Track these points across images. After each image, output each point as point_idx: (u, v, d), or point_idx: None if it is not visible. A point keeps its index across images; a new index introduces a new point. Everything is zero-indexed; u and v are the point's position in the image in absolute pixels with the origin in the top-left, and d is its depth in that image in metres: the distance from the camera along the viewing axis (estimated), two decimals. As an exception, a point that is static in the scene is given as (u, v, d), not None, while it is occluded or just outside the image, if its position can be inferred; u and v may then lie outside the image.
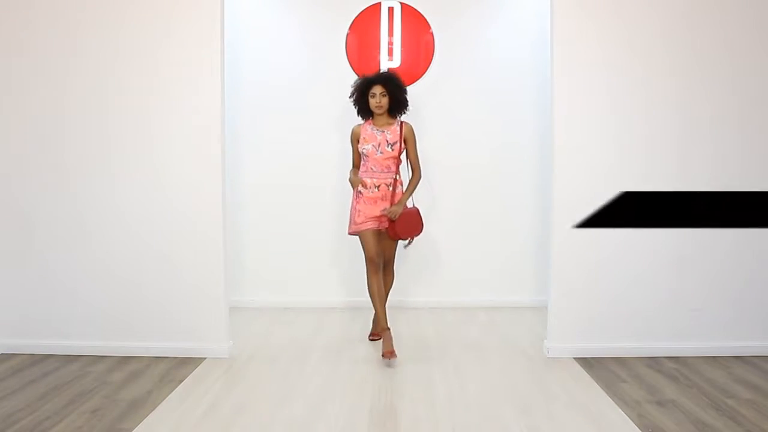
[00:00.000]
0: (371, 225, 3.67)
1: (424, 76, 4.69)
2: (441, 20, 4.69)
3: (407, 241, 3.78)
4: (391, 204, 3.67)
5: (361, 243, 3.69)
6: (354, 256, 4.74)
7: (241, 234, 4.75)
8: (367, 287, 3.67)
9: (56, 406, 2.82)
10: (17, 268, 3.59)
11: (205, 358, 3.48)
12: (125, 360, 3.46)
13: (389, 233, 3.69)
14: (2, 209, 3.58)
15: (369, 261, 3.66)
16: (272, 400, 2.93)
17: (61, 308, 3.58)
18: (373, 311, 3.84)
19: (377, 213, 3.67)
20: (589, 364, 3.39)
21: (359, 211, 3.68)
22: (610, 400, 2.90)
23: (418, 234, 3.74)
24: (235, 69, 4.58)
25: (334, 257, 4.78)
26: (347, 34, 4.71)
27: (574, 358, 3.48)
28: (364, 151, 3.67)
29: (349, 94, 3.75)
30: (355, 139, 3.75)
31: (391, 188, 3.67)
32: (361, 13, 4.70)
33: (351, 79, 4.63)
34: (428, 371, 3.35)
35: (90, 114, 3.51)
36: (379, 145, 3.66)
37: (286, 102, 4.73)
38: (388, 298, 3.84)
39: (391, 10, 4.70)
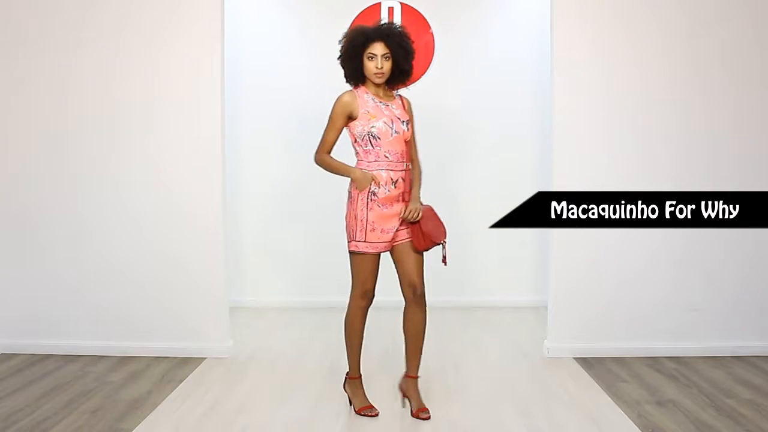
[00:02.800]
0: (383, 246, 2.66)
1: (424, 76, 4.68)
2: (441, 20, 4.69)
3: (442, 251, 2.71)
4: (405, 202, 2.68)
5: (357, 268, 2.67)
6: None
7: (241, 234, 4.74)
8: (345, 327, 2.79)
9: (56, 406, 2.82)
10: (18, 268, 3.59)
11: (206, 358, 3.48)
12: (125, 360, 3.46)
13: (416, 243, 2.66)
14: (3, 209, 3.58)
15: (363, 294, 2.70)
16: (272, 400, 2.94)
17: (61, 308, 3.58)
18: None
19: (395, 222, 2.66)
20: (589, 364, 3.39)
21: (372, 222, 2.62)
22: (610, 400, 2.89)
23: (445, 237, 2.72)
24: (236, 69, 4.57)
25: (335, 257, 4.76)
26: (347, 34, 4.70)
27: (574, 358, 3.48)
28: (374, 131, 2.62)
29: (339, 53, 2.72)
30: (345, 113, 2.67)
31: (404, 182, 2.69)
32: (361, 13, 4.69)
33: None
34: (428, 371, 3.34)
35: (91, 115, 3.51)
36: (392, 123, 2.66)
37: (286, 102, 4.72)
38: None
39: (391, 10, 4.70)
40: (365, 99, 2.68)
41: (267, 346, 3.78)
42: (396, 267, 2.73)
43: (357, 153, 2.72)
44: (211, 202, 3.50)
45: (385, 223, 2.64)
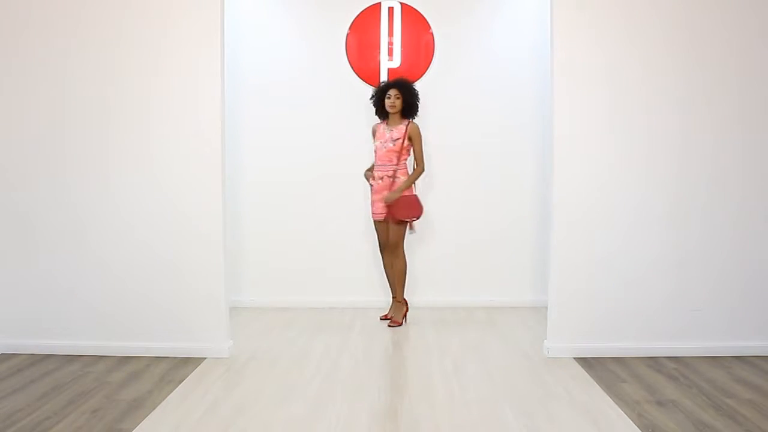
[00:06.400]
0: (380, 216, 4.20)
1: (424, 76, 4.69)
2: (441, 20, 4.70)
3: (409, 226, 4.21)
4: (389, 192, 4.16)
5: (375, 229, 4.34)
6: (354, 256, 4.75)
7: (242, 234, 4.75)
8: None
9: (56, 406, 2.82)
10: (17, 268, 3.59)
11: (205, 358, 3.48)
12: (125, 360, 3.46)
13: (388, 216, 4.16)
14: (2, 209, 3.58)
15: (378, 245, 4.37)
16: (272, 400, 2.93)
17: (61, 308, 3.58)
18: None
19: (381, 202, 4.18)
20: (589, 364, 3.39)
21: (372, 201, 4.24)
22: (610, 400, 2.89)
23: (415, 217, 4.16)
24: (235, 69, 4.58)
25: (334, 257, 4.78)
26: (347, 34, 4.71)
27: (574, 358, 3.48)
28: (374, 147, 4.21)
29: (371, 97, 4.27)
30: (373, 136, 4.29)
31: (391, 179, 4.14)
32: (361, 13, 4.70)
33: (351, 78, 4.71)
34: (428, 371, 3.34)
35: (89, 114, 3.51)
36: (385, 141, 4.16)
37: (286, 102, 4.73)
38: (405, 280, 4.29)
39: (391, 10, 4.70)
40: (380, 127, 4.26)
41: (267, 346, 3.78)
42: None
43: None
44: (210, 202, 3.50)
45: (376, 202, 4.21)
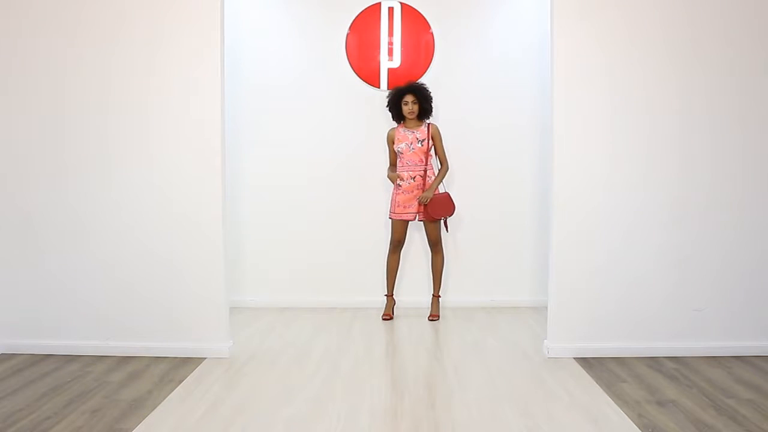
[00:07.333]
0: (406, 216, 4.35)
1: (424, 76, 4.69)
2: (441, 20, 4.70)
3: (444, 224, 4.38)
4: (423, 191, 4.32)
5: (391, 227, 4.43)
6: (354, 255, 4.74)
7: (241, 234, 4.75)
8: (386, 265, 4.48)
9: (56, 406, 2.82)
10: (17, 268, 3.59)
11: (205, 358, 3.48)
12: (125, 360, 3.46)
13: (423, 216, 4.31)
14: (2, 209, 3.58)
15: (392, 242, 4.44)
16: (272, 400, 2.93)
17: (61, 308, 3.58)
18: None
19: (414, 201, 4.32)
20: (589, 364, 3.39)
21: (397, 202, 4.35)
22: (610, 400, 2.90)
23: (450, 215, 4.33)
24: (235, 69, 4.58)
25: (334, 257, 4.78)
26: (347, 34, 4.71)
27: (574, 358, 3.48)
28: (399, 149, 4.34)
29: (386, 103, 4.40)
30: (391, 141, 4.42)
31: (423, 178, 4.33)
32: (361, 13, 4.70)
33: (351, 79, 4.70)
34: (428, 371, 3.34)
35: (89, 114, 3.51)
36: (411, 143, 4.33)
37: (286, 102, 4.73)
38: (442, 278, 4.54)
39: (391, 10, 4.70)
40: (399, 131, 4.40)
41: (267, 346, 3.78)
42: (425, 230, 4.44)
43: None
44: (210, 202, 3.50)
45: (405, 202, 4.35)
